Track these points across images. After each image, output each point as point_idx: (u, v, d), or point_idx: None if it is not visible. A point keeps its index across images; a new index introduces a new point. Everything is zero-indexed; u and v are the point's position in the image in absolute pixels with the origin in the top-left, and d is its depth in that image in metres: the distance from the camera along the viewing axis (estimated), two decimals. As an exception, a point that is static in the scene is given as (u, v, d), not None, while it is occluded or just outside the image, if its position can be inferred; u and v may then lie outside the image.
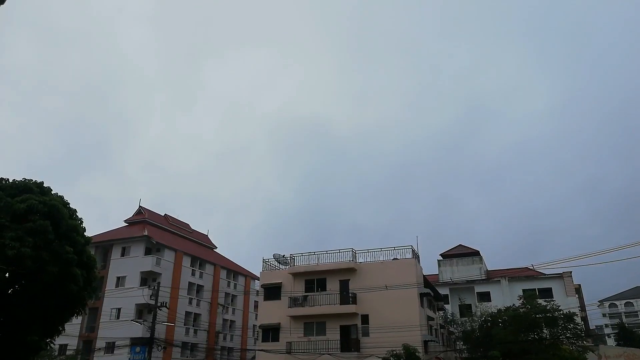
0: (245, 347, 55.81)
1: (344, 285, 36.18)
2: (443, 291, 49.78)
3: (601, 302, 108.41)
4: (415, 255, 36.80)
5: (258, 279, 45.73)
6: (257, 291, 48.72)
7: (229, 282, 59.11)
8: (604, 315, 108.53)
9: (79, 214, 24.21)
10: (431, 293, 38.97)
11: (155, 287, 35.96)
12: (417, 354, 29.88)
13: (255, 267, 70.96)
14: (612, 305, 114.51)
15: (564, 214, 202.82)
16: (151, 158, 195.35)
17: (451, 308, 48.26)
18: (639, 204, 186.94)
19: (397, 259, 36.42)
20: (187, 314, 50.46)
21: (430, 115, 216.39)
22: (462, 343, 39.58)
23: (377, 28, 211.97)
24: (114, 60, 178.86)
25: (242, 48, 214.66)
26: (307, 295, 36.58)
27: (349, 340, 34.25)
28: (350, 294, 35.35)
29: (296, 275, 37.62)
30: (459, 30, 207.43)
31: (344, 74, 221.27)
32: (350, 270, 36.13)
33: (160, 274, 47.78)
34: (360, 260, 36.97)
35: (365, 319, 34.58)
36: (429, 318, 37.45)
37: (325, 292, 36.27)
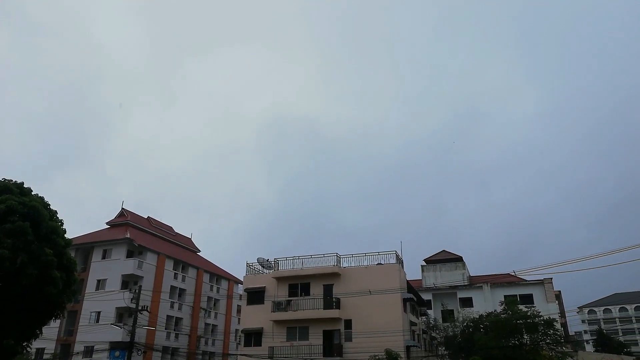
0: (227, 352, 55.36)
1: (328, 289, 36.16)
2: (426, 296, 50.07)
3: (580, 308, 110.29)
4: (399, 261, 36.98)
5: (241, 283, 45.51)
6: (240, 295, 48.42)
7: (211, 286, 58.61)
8: (583, 321, 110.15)
9: (59, 215, 23.85)
10: (414, 298, 39.17)
11: (137, 291, 35.47)
12: (399, 359, 29.99)
13: (238, 271, 70.35)
14: (591, 312, 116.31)
15: (551, 219, 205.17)
16: (133, 158, 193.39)
17: (434, 313, 48.60)
18: (625, 208, 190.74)
19: (381, 264, 36.53)
20: (169, 317, 49.85)
21: (420, 120, 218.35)
22: (444, 348, 39.85)
23: (370, 31, 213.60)
24: (95, 56, 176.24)
25: (230, 46, 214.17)
26: (291, 300, 36.46)
27: (332, 345, 34.18)
28: (334, 299, 35.35)
29: (280, 279, 37.49)
30: (451, 34, 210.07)
31: (334, 76, 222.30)
32: (334, 275, 36.14)
33: (142, 277, 47.16)
34: (345, 264, 37.01)
35: (348, 323, 34.59)
36: (412, 323, 37.62)
37: (309, 296, 36.19)
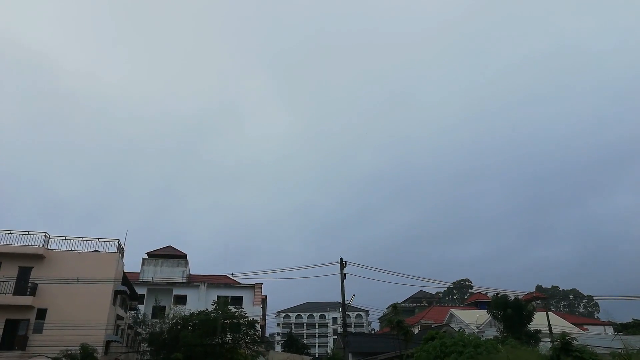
0: None
1: (25, 273, 31.19)
2: (141, 290, 48.32)
3: (279, 313, 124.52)
4: (121, 250, 34.75)
5: None
6: None
7: None
8: (278, 324, 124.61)
9: None
10: (127, 291, 37.27)
11: None
12: (95, 354, 27.84)
13: None
14: (286, 317, 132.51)
15: (273, 229, 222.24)
16: None
17: (145, 308, 47.11)
18: (336, 229, 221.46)
19: (98, 251, 33.66)
20: None
21: (178, 101, 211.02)
22: (146, 345, 38.85)
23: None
24: None
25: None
26: (-30, 281, 29.83)
27: (15, 337, 29.36)
28: (30, 284, 30.55)
29: (-41, 253, 30.32)
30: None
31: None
32: (38, 257, 31.41)
33: None
34: (54, 247, 32.60)
35: (42, 313, 30.40)
36: (119, 317, 35.62)
37: (-4, 278, 30.33)
